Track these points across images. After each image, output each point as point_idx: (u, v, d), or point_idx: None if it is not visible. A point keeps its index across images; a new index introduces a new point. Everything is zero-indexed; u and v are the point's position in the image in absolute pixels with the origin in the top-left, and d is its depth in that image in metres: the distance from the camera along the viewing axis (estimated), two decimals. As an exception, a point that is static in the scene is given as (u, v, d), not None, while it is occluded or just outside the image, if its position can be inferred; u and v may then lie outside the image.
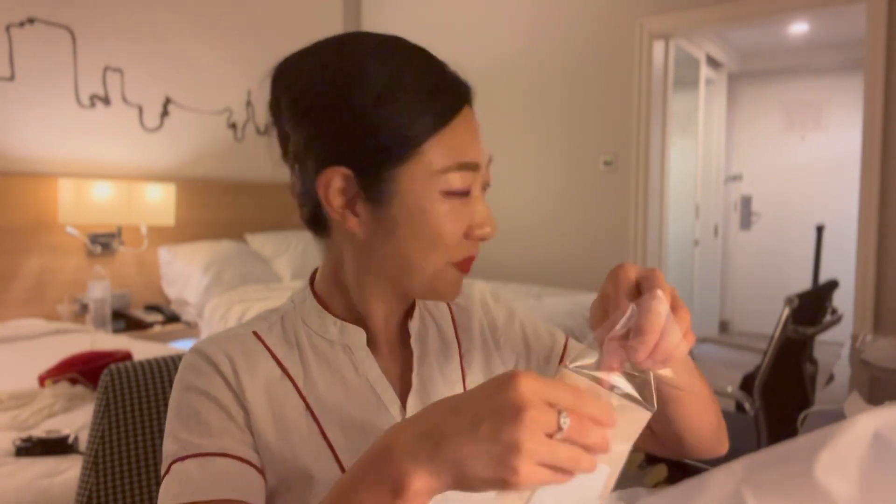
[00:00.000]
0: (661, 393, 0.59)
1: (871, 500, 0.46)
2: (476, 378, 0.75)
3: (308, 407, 0.66)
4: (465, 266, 0.67)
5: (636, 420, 0.49)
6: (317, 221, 0.70)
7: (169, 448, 0.63)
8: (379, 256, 0.66)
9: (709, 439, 0.73)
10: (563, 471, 0.42)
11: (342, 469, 0.64)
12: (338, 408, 0.67)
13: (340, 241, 0.69)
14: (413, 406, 0.70)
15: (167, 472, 0.61)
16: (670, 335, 0.53)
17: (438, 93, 0.64)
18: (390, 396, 0.69)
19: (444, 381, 0.73)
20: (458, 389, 0.73)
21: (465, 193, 0.64)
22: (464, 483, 0.42)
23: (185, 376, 0.66)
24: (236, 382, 0.65)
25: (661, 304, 0.53)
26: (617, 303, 0.56)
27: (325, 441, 0.65)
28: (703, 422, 0.71)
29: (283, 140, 0.68)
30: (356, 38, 0.67)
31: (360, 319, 0.71)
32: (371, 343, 0.71)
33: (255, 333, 0.69)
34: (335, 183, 0.64)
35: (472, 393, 0.44)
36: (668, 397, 0.65)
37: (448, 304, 0.80)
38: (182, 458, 0.61)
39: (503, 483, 0.41)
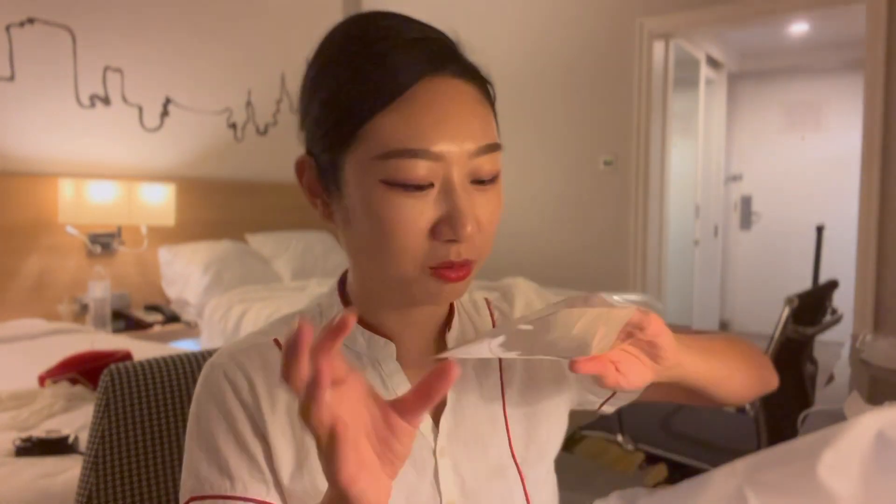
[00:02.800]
0: (688, 386, 0.63)
1: (873, 499, 0.46)
2: (514, 394, 0.68)
3: None
4: (443, 274, 0.56)
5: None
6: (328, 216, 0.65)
7: (187, 481, 0.59)
8: (353, 251, 0.62)
9: (752, 391, 0.73)
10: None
11: None
12: None
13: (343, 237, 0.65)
14: (446, 425, 0.63)
15: None
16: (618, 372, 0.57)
17: (383, 65, 0.54)
18: None
19: (482, 397, 0.67)
20: (496, 406, 0.67)
21: (417, 186, 0.54)
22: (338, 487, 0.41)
23: (203, 400, 0.61)
24: (255, 408, 0.59)
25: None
26: None
27: None
28: (739, 386, 0.71)
29: None
30: (349, 17, 0.63)
31: (390, 331, 0.65)
32: (403, 355, 0.64)
33: (276, 342, 0.63)
34: (306, 171, 0.62)
35: None
36: (694, 390, 0.66)
37: (490, 310, 0.73)
38: (201, 498, 0.58)
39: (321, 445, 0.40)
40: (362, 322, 0.64)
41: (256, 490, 0.58)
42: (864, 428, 0.48)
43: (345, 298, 0.66)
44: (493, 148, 0.57)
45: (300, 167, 0.62)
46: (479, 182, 0.57)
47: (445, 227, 0.55)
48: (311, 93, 0.59)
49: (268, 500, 0.58)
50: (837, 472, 0.47)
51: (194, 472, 0.59)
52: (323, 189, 0.61)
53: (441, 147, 0.54)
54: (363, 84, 0.54)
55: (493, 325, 0.71)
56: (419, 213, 0.54)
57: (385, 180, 0.54)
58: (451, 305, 0.69)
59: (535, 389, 0.70)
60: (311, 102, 0.59)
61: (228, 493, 0.57)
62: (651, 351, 0.59)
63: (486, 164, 0.57)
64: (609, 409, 0.75)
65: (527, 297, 0.75)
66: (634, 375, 0.58)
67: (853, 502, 0.46)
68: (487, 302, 0.74)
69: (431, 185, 0.55)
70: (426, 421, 0.63)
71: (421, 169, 0.54)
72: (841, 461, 0.47)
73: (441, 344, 0.67)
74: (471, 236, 0.55)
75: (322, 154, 0.59)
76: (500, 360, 0.70)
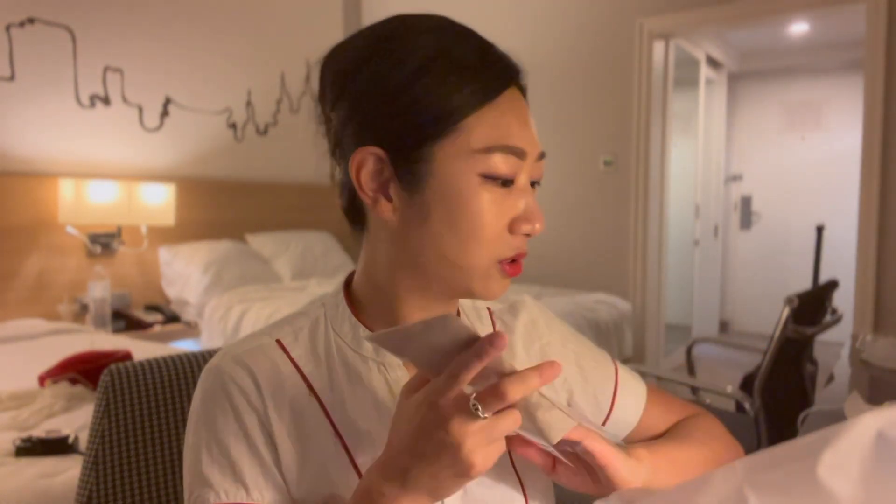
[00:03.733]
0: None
1: (873, 499, 0.46)
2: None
3: (336, 432, 0.60)
4: (512, 269, 0.61)
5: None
6: (354, 212, 0.65)
7: (196, 489, 0.57)
8: (413, 247, 0.60)
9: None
10: (504, 438, 0.49)
11: None
12: (369, 433, 0.61)
13: (376, 232, 0.63)
14: None
15: None
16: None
17: (483, 68, 0.59)
18: None
19: None
20: None
21: (508, 181, 0.58)
22: (440, 494, 0.50)
23: (209, 404, 0.59)
24: (263, 412, 0.59)
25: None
26: None
27: (355, 470, 0.60)
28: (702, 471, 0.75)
29: (328, 129, 0.64)
30: (400, 17, 0.62)
31: None
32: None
33: (279, 343, 0.63)
34: (368, 165, 0.59)
35: (404, 425, 0.50)
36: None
37: (492, 319, 0.74)
38: None
39: (469, 477, 0.48)
40: (367, 323, 0.64)
41: (272, 497, 0.58)
42: (864, 428, 0.48)
43: (350, 300, 0.66)
44: (544, 155, 0.63)
45: (359, 161, 0.59)
46: (534, 184, 0.62)
47: (524, 223, 0.59)
48: (377, 85, 0.58)
49: None
50: (837, 472, 0.47)
51: (204, 479, 0.57)
52: (391, 183, 0.59)
53: (526, 148, 0.59)
54: (468, 82, 0.58)
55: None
56: (507, 207, 0.59)
57: (483, 173, 0.58)
58: (458, 309, 0.70)
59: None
60: (374, 94, 0.58)
61: (245, 502, 0.57)
62: (600, 473, 0.59)
63: (540, 169, 0.63)
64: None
65: (531, 314, 0.76)
66: (572, 483, 0.61)
67: (853, 502, 0.46)
68: (490, 312, 0.75)
69: (514, 182, 0.59)
70: None
71: (514, 166, 0.59)
72: (841, 461, 0.47)
73: None
74: (539, 232, 0.60)
75: (403, 146, 0.58)
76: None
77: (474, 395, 0.48)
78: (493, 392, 0.47)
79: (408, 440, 0.49)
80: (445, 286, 0.61)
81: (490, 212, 0.58)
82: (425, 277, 0.61)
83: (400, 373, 0.63)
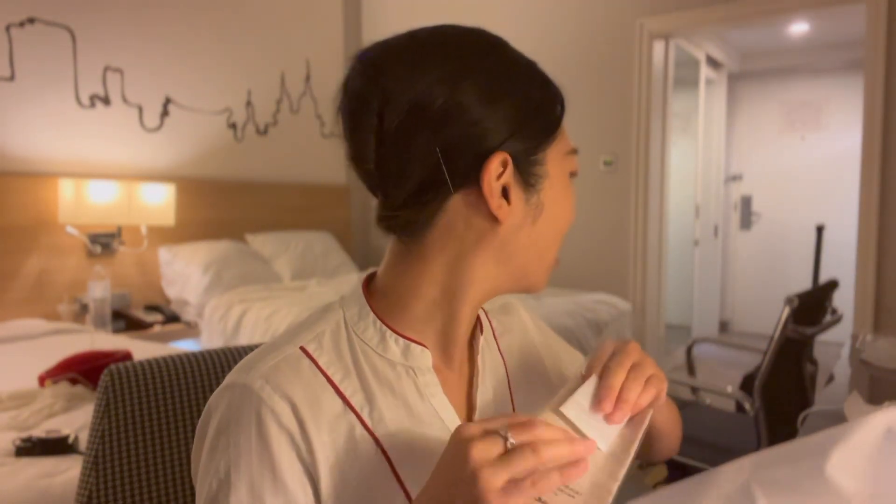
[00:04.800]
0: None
1: (883, 498, 0.45)
2: (520, 398, 0.71)
3: (378, 444, 0.58)
4: (557, 259, 0.68)
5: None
6: (409, 219, 0.60)
7: None
8: (515, 249, 0.62)
9: (673, 451, 0.83)
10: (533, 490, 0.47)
11: None
12: (410, 443, 0.59)
13: (442, 241, 0.60)
14: None
15: None
16: (628, 391, 0.59)
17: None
18: (454, 420, 0.63)
19: (495, 399, 0.69)
20: (508, 409, 0.70)
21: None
22: None
23: (236, 427, 0.55)
24: (301, 434, 0.55)
25: (615, 372, 0.60)
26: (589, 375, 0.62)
27: (398, 482, 0.57)
28: (672, 446, 0.80)
29: (367, 130, 0.59)
30: (451, 29, 0.65)
31: (421, 336, 0.63)
32: (434, 360, 0.64)
33: (304, 351, 0.59)
34: (493, 170, 0.58)
35: (440, 469, 0.50)
36: (650, 436, 0.72)
37: (487, 317, 0.76)
38: None
39: None
40: (393, 328, 0.63)
41: None
42: (873, 426, 0.48)
43: (371, 300, 0.64)
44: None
45: (490, 165, 0.57)
46: None
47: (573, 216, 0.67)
48: (498, 95, 0.58)
49: None
50: (846, 470, 0.46)
51: None
52: (511, 188, 0.59)
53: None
54: (555, 93, 0.63)
55: (494, 334, 0.75)
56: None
57: (572, 172, 0.65)
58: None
59: (536, 396, 0.73)
60: (500, 102, 0.58)
61: None
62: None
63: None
64: None
65: (520, 315, 0.80)
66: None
67: (862, 500, 0.45)
68: (484, 311, 0.77)
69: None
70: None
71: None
72: (850, 459, 0.47)
73: (470, 346, 0.69)
74: None
75: (526, 150, 0.60)
76: (505, 363, 0.73)
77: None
78: (522, 426, 0.49)
79: (444, 485, 0.49)
80: (517, 285, 0.65)
81: (573, 207, 0.66)
82: (511, 278, 0.64)
83: (429, 377, 0.63)
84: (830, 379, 1.51)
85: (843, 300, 2.52)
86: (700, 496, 0.50)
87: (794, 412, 1.41)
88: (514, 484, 0.46)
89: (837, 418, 1.10)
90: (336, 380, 0.59)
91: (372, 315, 0.63)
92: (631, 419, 0.59)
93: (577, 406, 0.58)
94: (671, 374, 3.09)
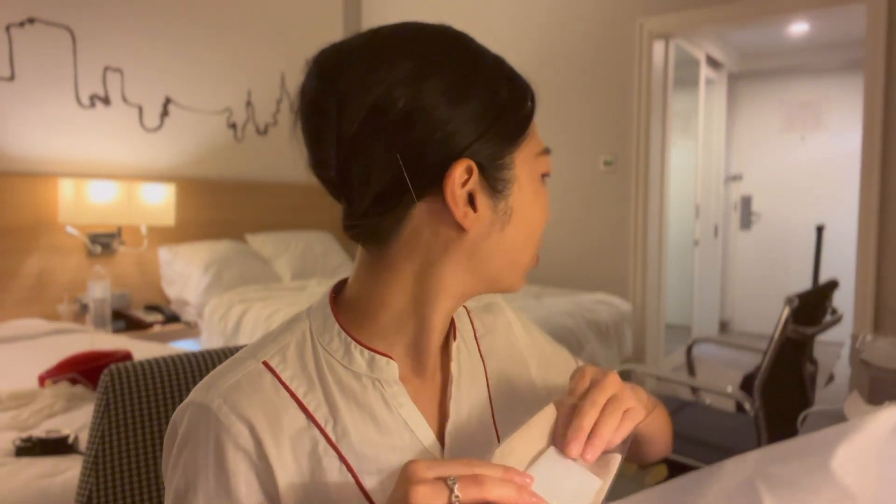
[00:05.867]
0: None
1: (888, 495, 0.45)
2: (501, 402, 0.69)
3: (342, 458, 0.57)
4: (537, 259, 0.65)
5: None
6: (373, 229, 0.58)
7: None
8: (484, 255, 0.59)
9: (663, 453, 0.82)
10: None
11: None
12: (375, 456, 0.58)
13: (408, 249, 0.58)
14: (451, 436, 0.63)
15: None
16: (602, 427, 0.56)
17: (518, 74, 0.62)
18: (424, 431, 0.61)
19: (472, 406, 0.67)
20: (486, 414, 0.68)
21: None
22: None
23: (193, 447, 0.55)
24: (259, 455, 0.54)
25: (587, 413, 0.56)
26: (564, 404, 0.59)
27: (365, 496, 0.57)
28: (661, 450, 0.80)
29: (326, 137, 0.58)
30: (411, 25, 0.62)
31: (390, 346, 0.61)
32: (404, 369, 0.62)
33: (266, 365, 0.58)
34: (458, 177, 0.55)
35: (389, 500, 0.48)
36: (638, 441, 0.72)
37: (470, 318, 0.73)
38: None
39: None
40: (358, 339, 0.61)
41: None
42: (879, 423, 0.47)
43: (337, 309, 0.63)
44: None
45: (454, 175, 0.55)
46: None
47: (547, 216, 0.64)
48: (464, 96, 0.55)
49: None
50: (852, 467, 0.46)
51: None
52: (477, 194, 0.57)
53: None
54: (525, 90, 0.60)
55: (475, 336, 0.73)
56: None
57: (543, 174, 0.62)
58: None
59: (517, 399, 0.72)
60: (466, 104, 0.55)
61: None
62: None
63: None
64: None
65: (505, 316, 0.78)
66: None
67: (867, 498, 0.45)
68: (467, 310, 0.75)
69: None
70: (429, 437, 0.61)
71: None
72: (856, 456, 0.47)
73: (442, 354, 0.66)
74: None
75: (492, 154, 0.57)
76: (485, 367, 0.71)
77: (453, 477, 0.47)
78: (473, 480, 0.47)
79: None
80: (491, 288, 0.63)
81: (545, 208, 0.63)
82: (483, 283, 0.61)
83: (396, 388, 0.61)
84: (830, 379, 1.51)
85: (843, 300, 2.52)
86: (703, 491, 0.50)
87: (794, 412, 1.41)
88: None
89: (837, 418, 1.10)
90: (300, 394, 0.57)
91: (337, 326, 0.61)
92: (604, 454, 0.56)
93: (545, 465, 0.55)
94: (671, 374, 3.09)
